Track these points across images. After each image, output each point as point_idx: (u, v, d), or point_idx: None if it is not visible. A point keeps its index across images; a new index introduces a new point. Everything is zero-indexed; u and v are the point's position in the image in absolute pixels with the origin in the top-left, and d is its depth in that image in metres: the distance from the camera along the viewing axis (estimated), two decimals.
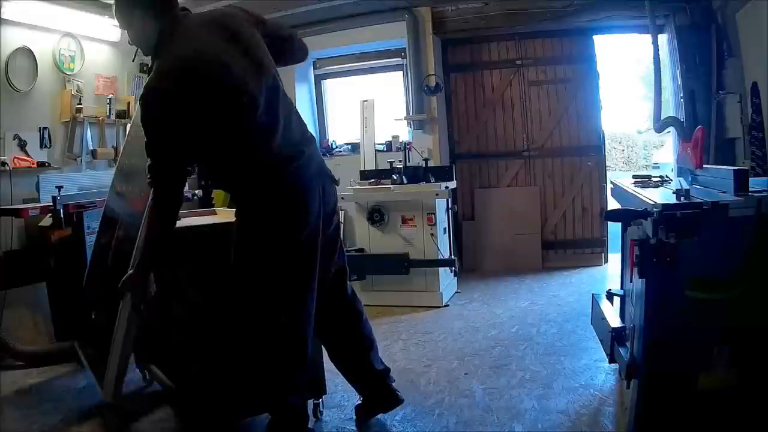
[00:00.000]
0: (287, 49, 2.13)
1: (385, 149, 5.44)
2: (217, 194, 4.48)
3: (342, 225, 5.41)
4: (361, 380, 2.35)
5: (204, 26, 1.89)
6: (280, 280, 1.93)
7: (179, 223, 2.05)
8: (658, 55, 4.48)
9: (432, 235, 4.18)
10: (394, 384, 2.38)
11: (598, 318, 2.56)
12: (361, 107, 5.38)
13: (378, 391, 2.34)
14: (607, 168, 5.60)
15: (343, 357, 2.34)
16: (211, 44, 1.83)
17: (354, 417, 2.42)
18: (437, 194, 4.17)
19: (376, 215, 4.26)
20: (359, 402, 2.40)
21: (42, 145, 4.09)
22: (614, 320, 2.32)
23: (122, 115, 4.71)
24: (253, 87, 1.85)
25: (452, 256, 4.42)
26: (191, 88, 1.76)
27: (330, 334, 2.29)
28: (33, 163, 3.97)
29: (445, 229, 4.41)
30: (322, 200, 2.01)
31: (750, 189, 1.77)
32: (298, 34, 2.19)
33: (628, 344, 2.13)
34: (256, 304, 1.95)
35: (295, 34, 2.18)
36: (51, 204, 3.33)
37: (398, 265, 4.17)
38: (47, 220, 3.42)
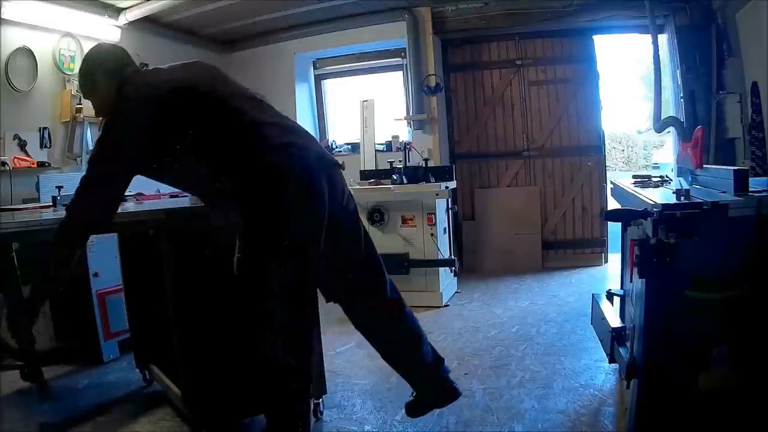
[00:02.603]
0: None
1: (385, 149, 5.44)
2: None
3: None
4: (411, 376, 2.24)
5: (176, 65, 1.96)
6: (283, 280, 1.87)
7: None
8: (658, 55, 4.48)
9: (432, 235, 4.18)
10: (450, 375, 2.26)
11: (598, 318, 2.56)
12: (361, 107, 5.38)
13: (430, 386, 2.22)
14: (607, 168, 5.61)
15: (389, 354, 2.25)
16: (184, 69, 1.91)
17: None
18: (437, 194, 4.16)
19: (376, 215, 4.26)
20: (411, 399, 2.24)
21: (42, 145, 4.09)
22: (614, 320, 2.32)
23: None
24: (237, 93, 1.90)
25: (452, 256, 4.41)
26: (168, 91, 1.80)
27: (371, 333, 2.23)
28: (33, 163, 3.97)
29: (445, 229, 4.41)
30: (330, 190, 1.92)
31: (750, 189, 1.77)
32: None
33: (628, 344, 2.13)
34: (259, 305, 1.89)
35: None
36: (51, 204, 3.33)
37: (398, 265, 4.16)
38: None
